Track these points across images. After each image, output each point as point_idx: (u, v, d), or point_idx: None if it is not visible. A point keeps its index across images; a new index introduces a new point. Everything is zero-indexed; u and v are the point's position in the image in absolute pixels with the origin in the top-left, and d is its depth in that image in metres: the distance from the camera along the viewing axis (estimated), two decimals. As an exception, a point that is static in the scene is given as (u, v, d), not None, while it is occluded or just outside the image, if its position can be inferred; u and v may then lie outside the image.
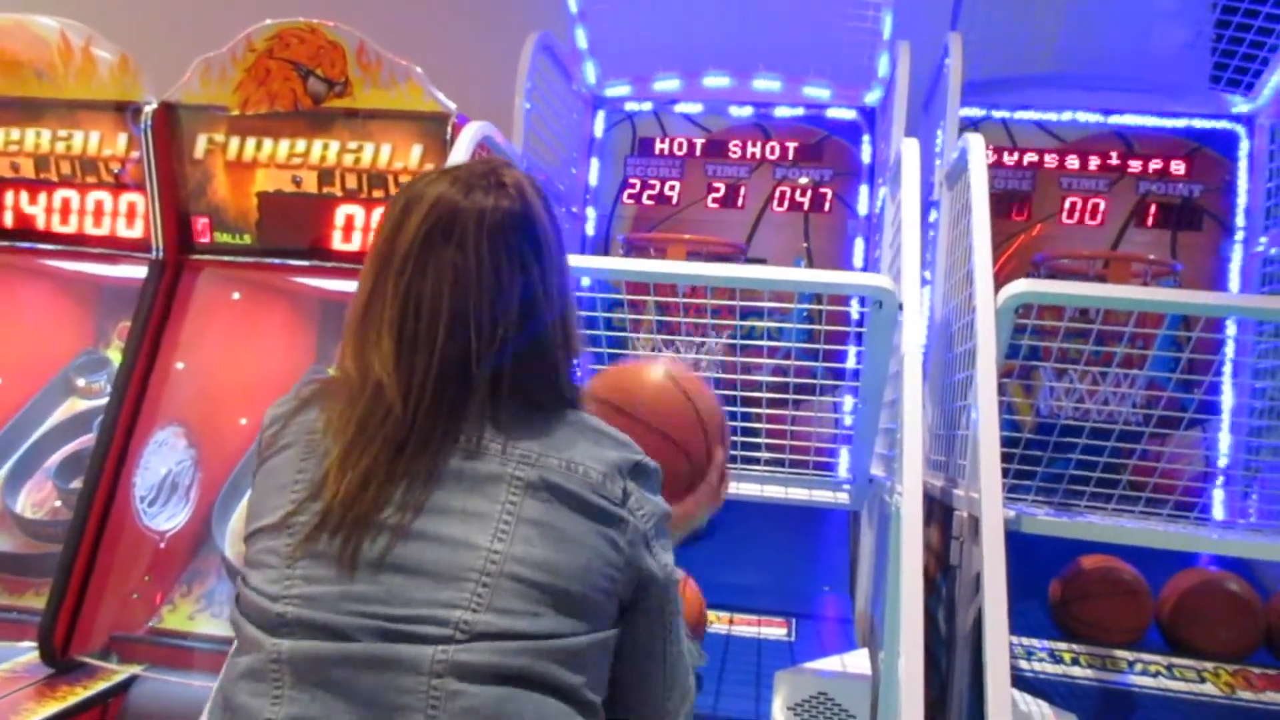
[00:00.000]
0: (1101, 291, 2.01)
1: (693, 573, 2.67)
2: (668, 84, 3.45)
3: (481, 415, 1.00)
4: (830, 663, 2.03)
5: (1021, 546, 2.43)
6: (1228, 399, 2.91)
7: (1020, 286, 1.82)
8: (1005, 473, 2.25)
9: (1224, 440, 2.90)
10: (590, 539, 0.98)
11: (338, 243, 2.62)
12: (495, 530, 0.94)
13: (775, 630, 2.43)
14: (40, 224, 2.87)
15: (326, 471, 0.97)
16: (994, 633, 1.43)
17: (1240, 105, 3.15)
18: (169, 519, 2.74)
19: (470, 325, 1.00)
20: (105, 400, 2.72)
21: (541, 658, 0.92)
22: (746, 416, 2.28)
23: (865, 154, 3.33)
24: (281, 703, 0.91)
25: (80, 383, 3.20)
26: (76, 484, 2.73)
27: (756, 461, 2.38)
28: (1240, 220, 3.11)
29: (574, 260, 1.39)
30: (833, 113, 3.38)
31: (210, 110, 2.65)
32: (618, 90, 3.48)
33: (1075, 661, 2.27)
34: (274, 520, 0.98)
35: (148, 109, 2.65)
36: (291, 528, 0.96)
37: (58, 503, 2.92)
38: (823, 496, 2.41)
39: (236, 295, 2.89)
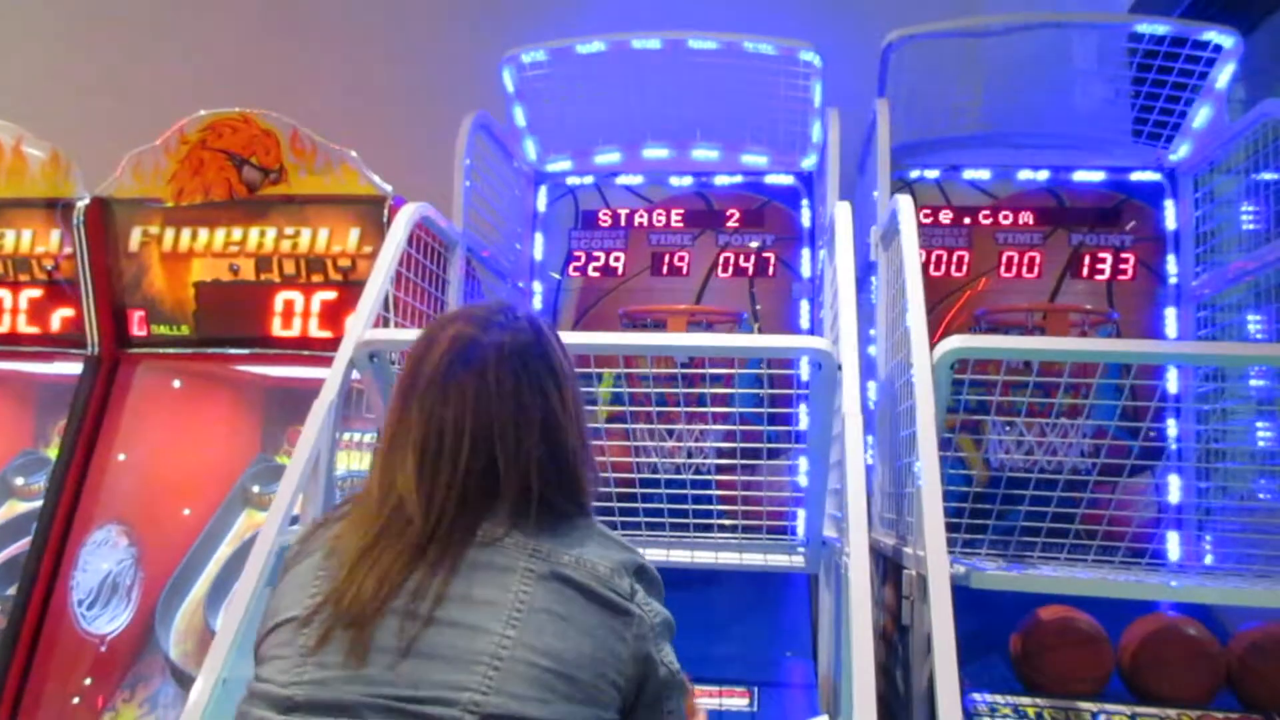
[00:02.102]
0: (1035, 344, 2.04)
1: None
2: (608, 157, 3.50)
3: (505, 518, 1.08)
4: (791, 733, 1.98)
5: (982, 601, 2.42)
6: (1174, 443, 2.95)
7: (955, 342, 1.83)
8: (958, 527, 2.27)
9: (1174, 484, 2.93)
10: (598, 629, 1.03)
11: (278, 329, 2.59)
12: (508, 617, 0.99)
13: (737, 701, 2.38)
14: (-28, 325, 2.82)
15: (344, 569, 1.03)
16: (945, 692, 1.41)
17: (1163, 157, 3.25)
18: (110, 621, 2.66)
19: (495, 443, 1.08)
20: (44, 501, 2.65)
21: None
22: (700, 484, 2.27)
23: (805, 218, 3.38)
24: None
25: (19, 483, 3.12)
26: (14, 590, 2.63)
27: (710, 529, 2.36)
28: (1172, 268, 3.19)
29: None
30: (771, 179, 3.45)
31: (144, 203, 2.64)
32: (558, 165, 3.52)
33: (1040, 716, 2.24)
34: (292, 615, 1.04)
35: (80, 204, 2.64)
36: (309, 623, 1.02)
37: (-5, 610, 2.82)
38: (778, 561, 2.38)
39: (177, 383, 2.84)
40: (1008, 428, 2.78)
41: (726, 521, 2.37)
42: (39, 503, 2.95)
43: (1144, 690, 2.32)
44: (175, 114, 2.62)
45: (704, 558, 2.32)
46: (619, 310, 3.29)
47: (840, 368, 1.91)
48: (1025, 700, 2.32)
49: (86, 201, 2.65)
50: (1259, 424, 2.66)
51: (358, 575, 1.02)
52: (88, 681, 2.58)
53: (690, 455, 2.58)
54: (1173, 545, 2.87)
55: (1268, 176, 2.74)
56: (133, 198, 2.64)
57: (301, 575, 1.08)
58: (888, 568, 2.32)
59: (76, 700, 2.54)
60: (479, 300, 2.16)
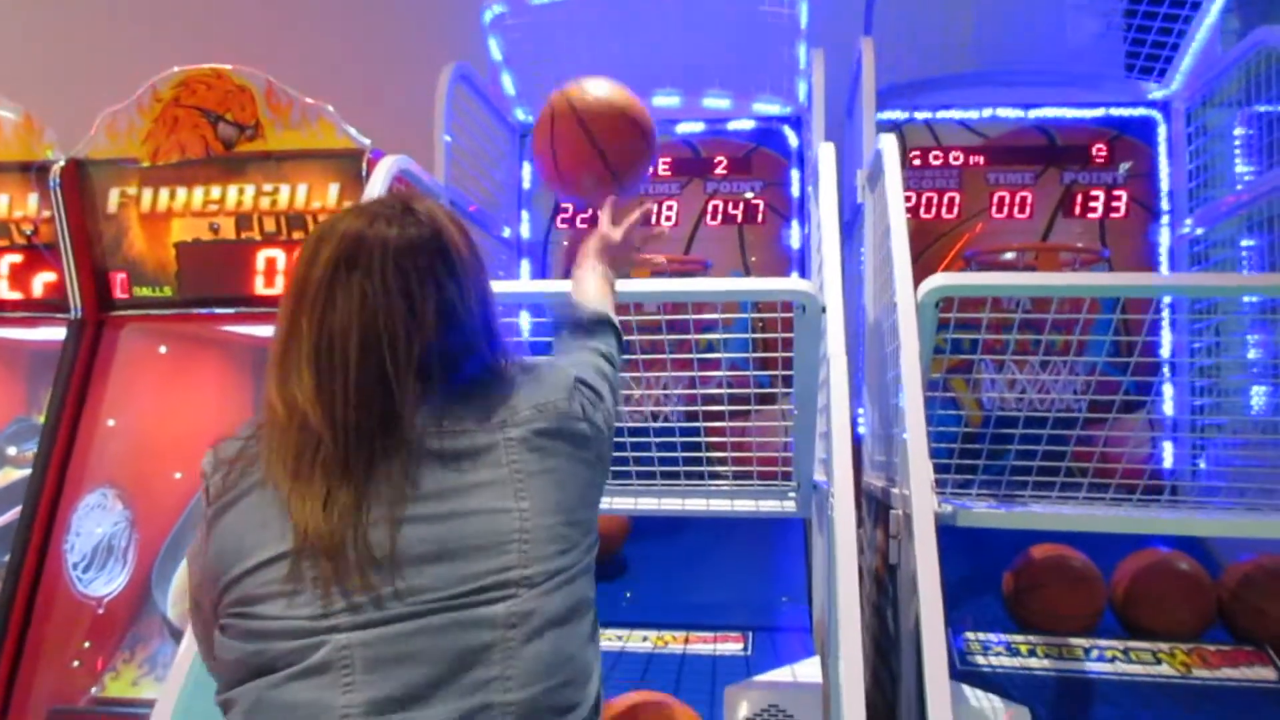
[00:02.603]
0: (1018, 280, 2.01)
1: (651, 591, 2.64)
2: (593, 107, 3.44)
3: (421, 410, 1.04)
4: (782, 674, 2.00)
5: (977, 543, 2.42)
6: (1168, 381, 2.95)
7: (938, 280, 1.81)
8: (949, 468, 2.26)
9: (1168, 420, 2.93)
10: (578, 467, 1.11)
11: (260, 288, 2.57)
12: (515, 490, 1.03)
13: (731, 646, 2.39)
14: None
15: (299, 501, 0.99)
16: (929, 627, 1.41)
17: (1155, 91, 3.20)
18: (107, 583, 2.67)
19: (383, 344, 1.03)
20: (40, 469, 2.64)
21: (577, 582, 1.05)
22: (691, 431, 2.26)
23: (793, 162, 3.34)
24: (354, 688, 0.93)
25: (11, 452, 3.11)
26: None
27: (702, 476, 2.36)
28: (1165, 204, 3.15)
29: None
30: (758, 124, 3.40)
31: (120, 164, 2.61)
32: (543, 117, 3.46)
33: (1032, 653, 2.25)
34: (281, 550, 0.98)
35: (55, 167, 2.60)
36: (301, 554, 0.98)
37: (-8, 577, 2.83)
38: (769, 506, 2.38)
39: (163, 349, 2.83)
40: (999, 368, 2.77)
41: (720, 469, 2.37)
42: (32, 470, 2.97)
43: (1136, 625, 2.33)
44: (147, 72, 2.57)
45: (695, 505, 2.32)
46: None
47: (824, 310, 1.89)
48: (1018, 638, 2.33)
49: (62, 163, 2.61)
50: (1250, 337, 2.65)
51: (308, 502, 0.99)
52: (86, 644, 2.59)
53: (678, 403, 2.57)
54: (1167, 480, 2.87)
55: (1262, 108, 2.69)
56: (108, 158, 2.60)
57: (263, 510, 1.02)
58: (879, 510, 2.32)
59: (76, 664, 2.56)
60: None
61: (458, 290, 1.09)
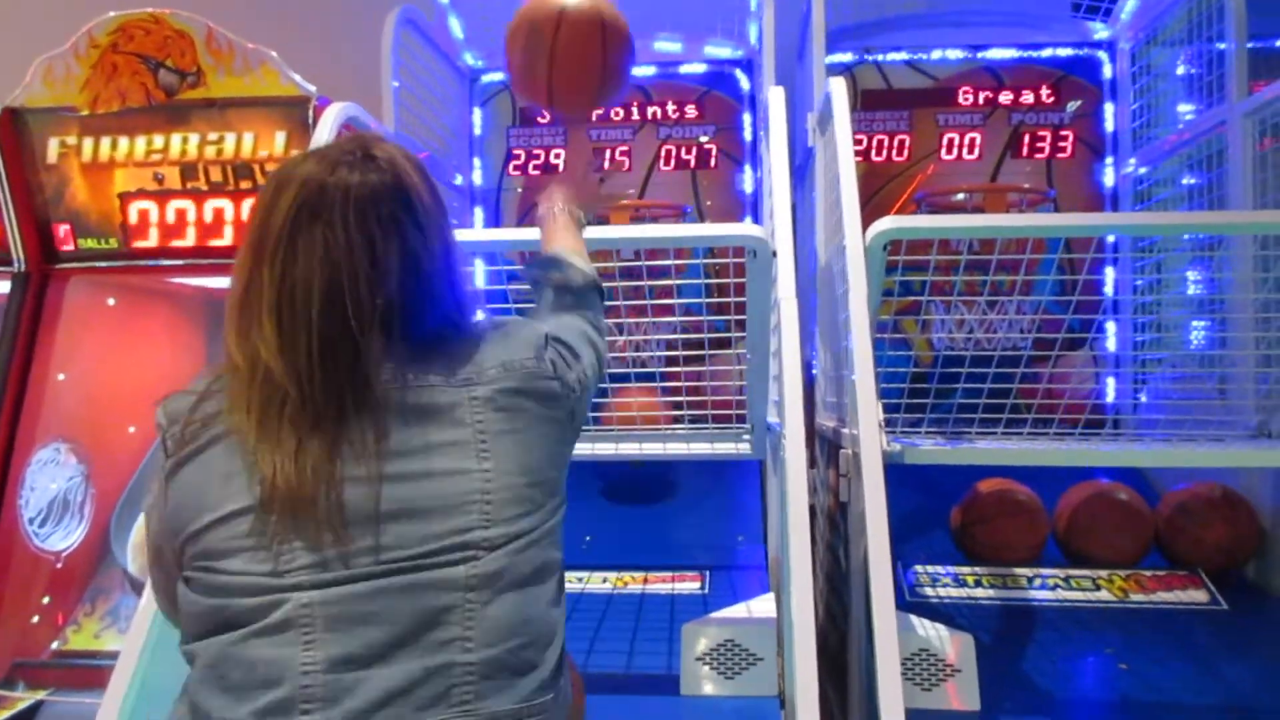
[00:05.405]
0: (964, 222, 2.05)
1: (608, 536, 2.68)
2: (543, 50, 3.40)
3: (386, 364, 1.03)
4: (737, 610, 2.05)
5: (926, 480, 2.49)
6: (1111, 318, 3.02)
7: (886, 224, 1.84)
8: (899, 408, 2.32)
9: (1110, 355, 3.02)
10: (546, 426, 1.10)
11: (208, 239, 2.53)
12: (477, 451, 1.02)
13: (689, 585, 2.45)
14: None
15: (256, 452, 0.98)
16: (877, 562, 1.46)
17: (1101, 31, 3.24)
18: (64, 538, 2.66)
19: (345, 296, 1.00)
20: (-14, 424, 2.61)
21: (542, 544, 1.05)
22: (647, 377, 2.29)
23: (745, 106, 3.33)
24: (315, 646, 0.94)
25: (-42, 408, 3.06)
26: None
27: (657, 421, 2.39)
28: (1110, 144, 3.20)
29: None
30: (709, 67, 3.39)
31: (58, 112, 2.54)
32: (492, 61, 3.42)
33: (978, 583, 2.34)
34: (239, 506, 0.98)
35: (-10, 116, 2.53)
36: (267, 508, 0.97)
37: (-55, 534, 2.80)
38: (725, 449, 2.42)
39: (111, 301, 2.79)
40: (948, 309, 2.82)
41: (676, 413, 2.40)
42: (-18, 426, 2.93)
43: (1078, 554, 2.42)
44: (82, 16, 2.49)
45: (652, 448, 2.36)
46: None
47: (775, 254, 1.91)
48: (965, 569, 2.42)
49: (-3, 113, 2.54)
50: (1189, 274, 2.73)
51: (279, 455, 0.97)
52: (46, 599, 2.59)
53: (638, 349, 2.59)
54: (1109, 399, 2.96)
55: (1203, 46, 2.73)
56: (46, 107, 2.54)
57: (225, 463, 1.00)
58: (831, 450, 2.37)
59: (36, 619, 2.56)
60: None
61: (421, 238, 1.06)
